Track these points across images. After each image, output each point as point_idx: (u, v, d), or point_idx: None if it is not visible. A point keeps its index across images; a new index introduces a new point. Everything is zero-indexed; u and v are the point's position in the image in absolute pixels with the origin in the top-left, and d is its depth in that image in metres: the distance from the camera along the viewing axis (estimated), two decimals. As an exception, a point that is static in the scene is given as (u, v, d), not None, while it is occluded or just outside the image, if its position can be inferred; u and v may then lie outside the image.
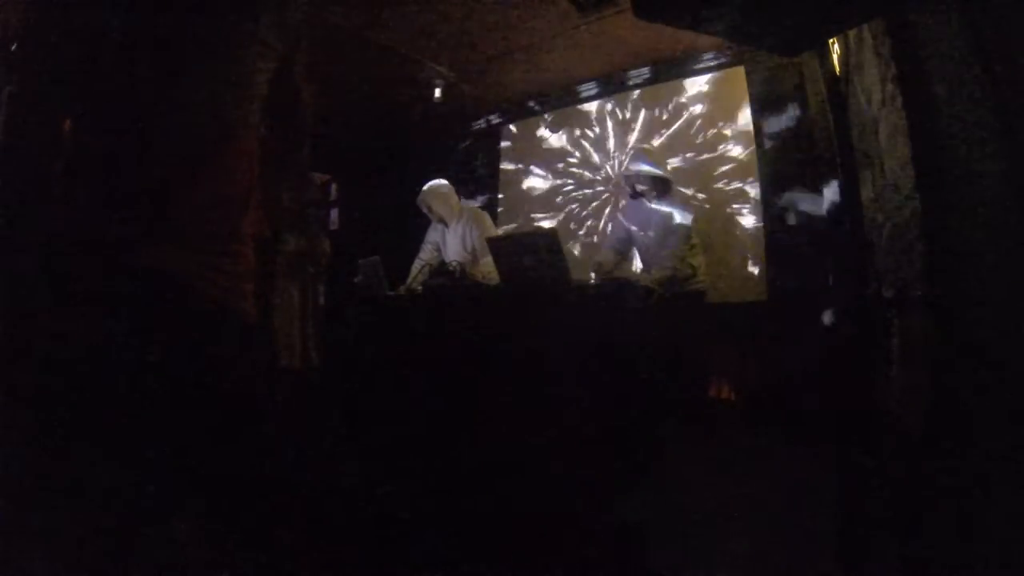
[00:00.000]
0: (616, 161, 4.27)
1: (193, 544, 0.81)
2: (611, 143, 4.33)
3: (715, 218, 3.69)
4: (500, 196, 4.95)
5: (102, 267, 0.76)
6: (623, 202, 3.07)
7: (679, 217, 2.82)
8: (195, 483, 0.82)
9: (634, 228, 3.03)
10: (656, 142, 4.07)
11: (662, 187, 2.89)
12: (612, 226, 3.13)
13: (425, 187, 3.42)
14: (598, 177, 4.39)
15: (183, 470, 0.80)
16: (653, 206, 2.91)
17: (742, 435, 2.49)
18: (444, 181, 3.50)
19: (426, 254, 3.46)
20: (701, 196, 3.80)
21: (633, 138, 4.20)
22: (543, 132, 4.75)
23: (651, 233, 2.94)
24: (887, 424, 1.61)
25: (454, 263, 3.04)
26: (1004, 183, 0.87)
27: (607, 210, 4.25)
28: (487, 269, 2.83)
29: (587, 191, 4.44)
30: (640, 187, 2.90)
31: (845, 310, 2.66)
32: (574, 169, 4.55)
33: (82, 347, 0.74)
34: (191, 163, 0.82)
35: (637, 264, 3.21)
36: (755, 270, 3.57)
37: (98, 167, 0.79)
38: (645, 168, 2.89)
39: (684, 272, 2.78)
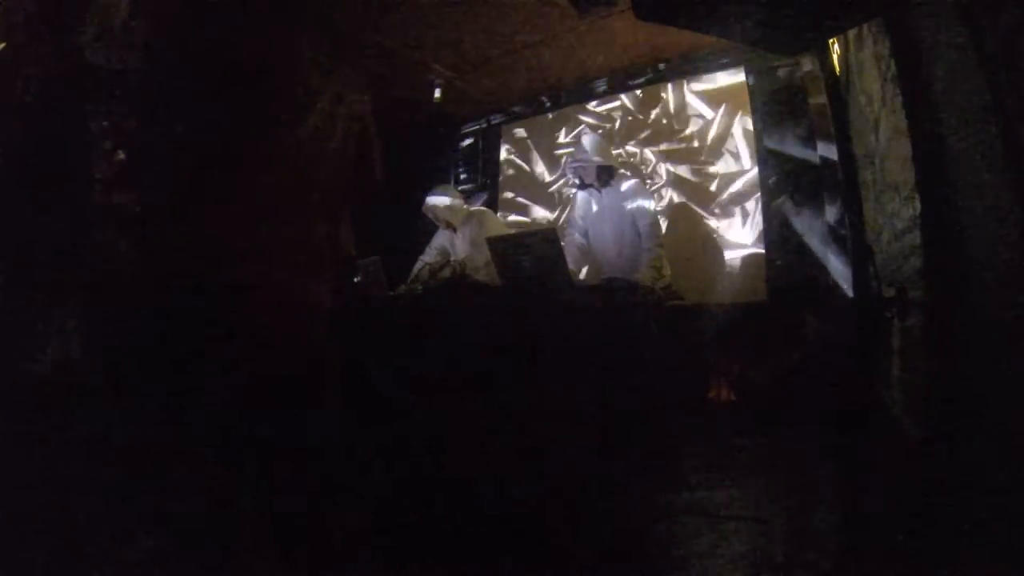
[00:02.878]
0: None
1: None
2: (611, 142, 4.32)
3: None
4: (500, 196, 4.95)
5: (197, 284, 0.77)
6: (577, 195, 3.09)
7: (644, 205, 2.82)
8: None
9: (585, 220, 3.05)
10: (661, 142, 4.07)
11: (607, 175, 2.89)
12: (569, 223, 3.15)
13: (429, 197, 3.41)
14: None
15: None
16: (604, 196, 2.92)
17: (742, 435, 2.50)
18: (448, 188, 3.48)
19: (429, 256, 3.44)
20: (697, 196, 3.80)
21: (634, 138, 4.20)
22: (543, 132, 4.75)
23: (606, 225, 2.96)
24: (887, 423, 1.61)
25: (455, 263, 3.03)
26: (1003, 182, 0.87)
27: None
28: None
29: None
30: (587, 177, 2.91)
31: (845, 310, 2.67)
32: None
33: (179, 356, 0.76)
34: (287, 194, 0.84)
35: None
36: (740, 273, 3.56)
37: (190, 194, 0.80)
38: (589, 157, 2.89)
39: (662, 269, 2.79)
